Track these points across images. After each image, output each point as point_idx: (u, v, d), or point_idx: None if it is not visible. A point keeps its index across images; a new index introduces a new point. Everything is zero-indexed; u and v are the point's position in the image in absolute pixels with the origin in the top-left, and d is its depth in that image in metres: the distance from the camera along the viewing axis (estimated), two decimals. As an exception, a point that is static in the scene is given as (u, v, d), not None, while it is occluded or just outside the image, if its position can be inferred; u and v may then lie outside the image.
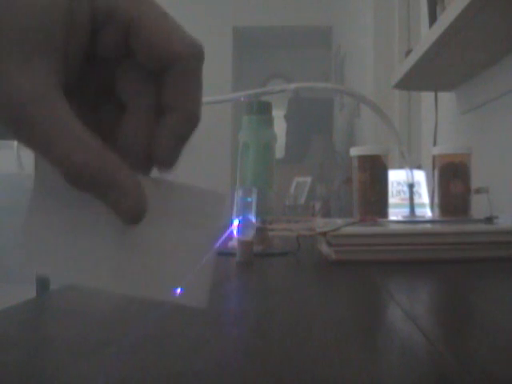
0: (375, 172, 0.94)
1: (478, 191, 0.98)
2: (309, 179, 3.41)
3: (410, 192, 1.04)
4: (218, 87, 4.64)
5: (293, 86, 0.95)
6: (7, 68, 0.24)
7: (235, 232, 0.69)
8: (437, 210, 0.99)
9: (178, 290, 0.28)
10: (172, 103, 0.27)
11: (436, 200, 1.00)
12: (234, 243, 0.76)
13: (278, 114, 3.49)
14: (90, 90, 0.29)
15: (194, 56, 0.27)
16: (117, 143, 0.28)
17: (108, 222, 0.27)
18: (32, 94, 0.24)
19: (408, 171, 1.02)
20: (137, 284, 0.28)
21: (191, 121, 0.28)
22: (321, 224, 0.79)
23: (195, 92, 0.28)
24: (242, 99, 0.88)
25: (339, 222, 0.78)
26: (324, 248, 0.72)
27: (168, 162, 0.28)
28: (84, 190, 0.26)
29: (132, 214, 0.26)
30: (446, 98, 1.52)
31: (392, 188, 1.17)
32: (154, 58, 0.27)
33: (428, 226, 0.79)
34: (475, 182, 0.98)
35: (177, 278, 0.28)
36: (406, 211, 1.10)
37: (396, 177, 1.18)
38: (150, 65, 0.27)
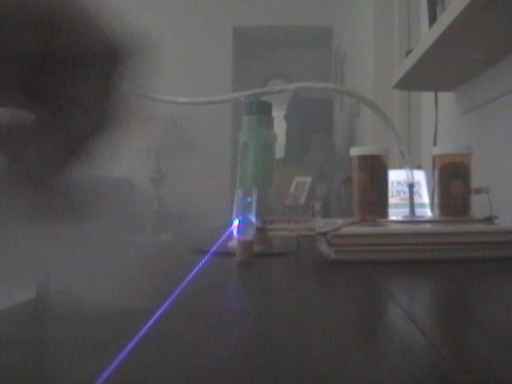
0: (375, 172, 0.94)
1: (478, 191, 0.98)
2: (309, 179, 3.41)
3: (410, 192, 1.04)
4: (218, 87, 4.64)
5: (293, 86, 0.95)
6: None
7: (235, 232, 0.69)
8: (437, 210, 0.99)
9: None
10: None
11: (436, 200, 1.00)
12: (233, 243, 0.76)
13: (278, 114, 3.49)
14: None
15: (133, 46, 0.28)
16: None
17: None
18: None
19: (408, 171, 1.02)
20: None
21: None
22: (321, 224, 0.79)
23: (138, 80, 0.28)
24: (242, 99, 0.88)
25: (339, 221, 0.78)
26: (324, 248, 0.72)
27: None
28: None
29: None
30: (446, 98, 1.52)
31: (392, 188, 1.17)
32: (99, 56, 0.28)
33: (428, 225, 0.79)
34: (475, 182, 0.98)
35: None
36: (405, 211, 1.10)
37: (396, 177, 1.18)
38: (97, 62, 0.28)
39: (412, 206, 1.03)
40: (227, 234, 0.76)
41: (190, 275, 0.56)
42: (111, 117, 0.29)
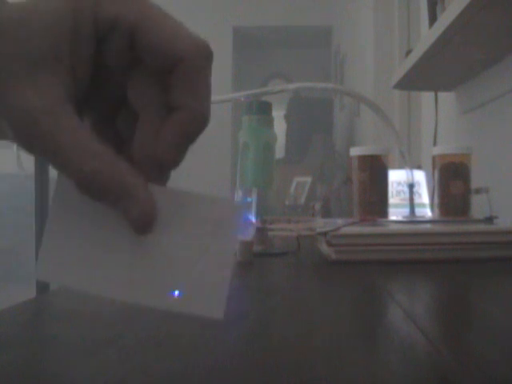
0: (375, 172, 0.94)
1: (478, 191, 0.98)
2: (309, 179, 3.41)
3: (410, 192, 1.04)
4: (218, 87, 4.64)
5: (293, 86, 0.95)
6: (17, 85, 0.24)
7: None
8: (437, 210, 0.99)
9: (176, 293, 0.28)
10: (178, 103, 0.27)
11: (436, 200, 1.00)
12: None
13: (278, 114, 3.49)
14: (104, 101, 0.29)
15: (200, 54, 0.27)
16: (132, 152, 0.28)
17: (123, 232, 0.27)
18: (40, 107, 0.24)
19: (408, 171, 1.02)
20: (149, 294, 0.28)
21: (197, 119, 0.27)
22: (321, 224, 0.79)
23: (202, 91, 0.27)
24: (242, 99, 0.88)
25: (339, 221, 0.78)
26: (324, 248, 0.72)
27: (171, 161, 0.28)
28: (95, 199, 0.26)
29: (141, 223, 0.27)
30: (446, 98, 1.52)
31: (392, 188, 1.17)
32: (160, 60, 0.27)
33: (428, 226, 0.79)
34: (475, 182, 0.98)
35: (190, 289, 0.28)
36: (406, 211, 1.10)
37: (396, 177, 1.18)
38: (157, 68, 0.27)
39: (412, 206, 1.03)
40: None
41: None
42: (208, 118, 0.28)
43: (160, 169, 0.28)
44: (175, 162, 0.28)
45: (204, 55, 0.27)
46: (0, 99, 0.24)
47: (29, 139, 0.25)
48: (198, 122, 0.27)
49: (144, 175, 0.27)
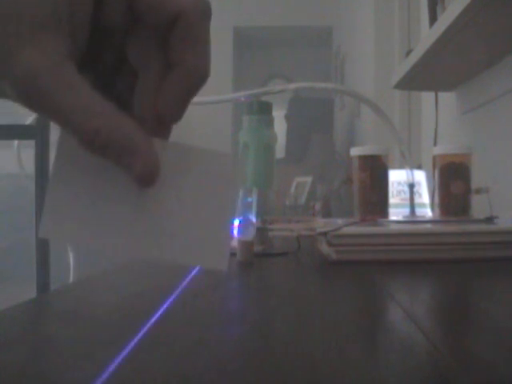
0: (375, 172, 0.94)
1: (478, 191, 0.98)
2: (309, 179, 3.41)
3: (410, 192, 1.04)
4: (218, 87, 4.64)
5: (293, 85, 0.95)
6: (17, 43, 0.25)
7: (235, 232, 0.69)
8: (437, 209, 0.99)
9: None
10: (178, 58, 0.28)
11: (436, 200, 1.00)
12: (234, 243, 0.76)
13: (278, 114, 3.49)
14: (104, 62, 0.30)
15: (198, 9, 0.27)
16: (132, 111, 0.29)
17: (126, 188, 0.28)
18: (43, 64, 0.25)
19: (408, 171, 1.02)
20: (152, 248, 0.28)
21: (196, 74, 0.28)
22: (321, 224, 0.79)
23: (201, 45, 0.28)
24: (242, 99, 0.88)
25: (340, 222, 0.78)
26: (324, 248, 0.72)
27: (172, 115, 0.28)
28: (99, 154, 0.26)
29: (145, 175, 0.27)
30: (446, 98, 1.52)
31: (392, 188, 1.17)
32: (159, 17, 0.27)
33: (428, 226, 0.79)
34: (475, 182, 0.98)
35: (194, 241, 0.28)
36: (406, 211, 1.10)
37: (396, 177, 1.18)
38: (157, 25, 0.27)
39: (412, 206, 1.04)
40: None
41: (191, 275, 0.56)
42: (207, 73, 0.28)
43: (161, 124, 0.28)
44: (177, 116, 0.28)
45: (202, 10, 0.27)
46: (3, 59, 0.25)
47: (32, 98, 0.25)
48: (197, 77, 0.28)
49: (146, 131, 0.27)
